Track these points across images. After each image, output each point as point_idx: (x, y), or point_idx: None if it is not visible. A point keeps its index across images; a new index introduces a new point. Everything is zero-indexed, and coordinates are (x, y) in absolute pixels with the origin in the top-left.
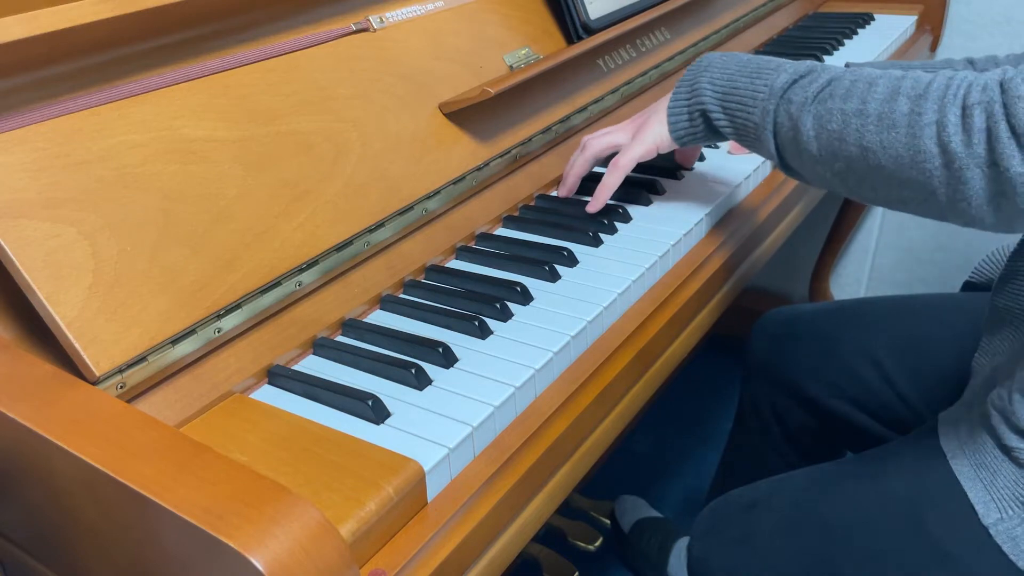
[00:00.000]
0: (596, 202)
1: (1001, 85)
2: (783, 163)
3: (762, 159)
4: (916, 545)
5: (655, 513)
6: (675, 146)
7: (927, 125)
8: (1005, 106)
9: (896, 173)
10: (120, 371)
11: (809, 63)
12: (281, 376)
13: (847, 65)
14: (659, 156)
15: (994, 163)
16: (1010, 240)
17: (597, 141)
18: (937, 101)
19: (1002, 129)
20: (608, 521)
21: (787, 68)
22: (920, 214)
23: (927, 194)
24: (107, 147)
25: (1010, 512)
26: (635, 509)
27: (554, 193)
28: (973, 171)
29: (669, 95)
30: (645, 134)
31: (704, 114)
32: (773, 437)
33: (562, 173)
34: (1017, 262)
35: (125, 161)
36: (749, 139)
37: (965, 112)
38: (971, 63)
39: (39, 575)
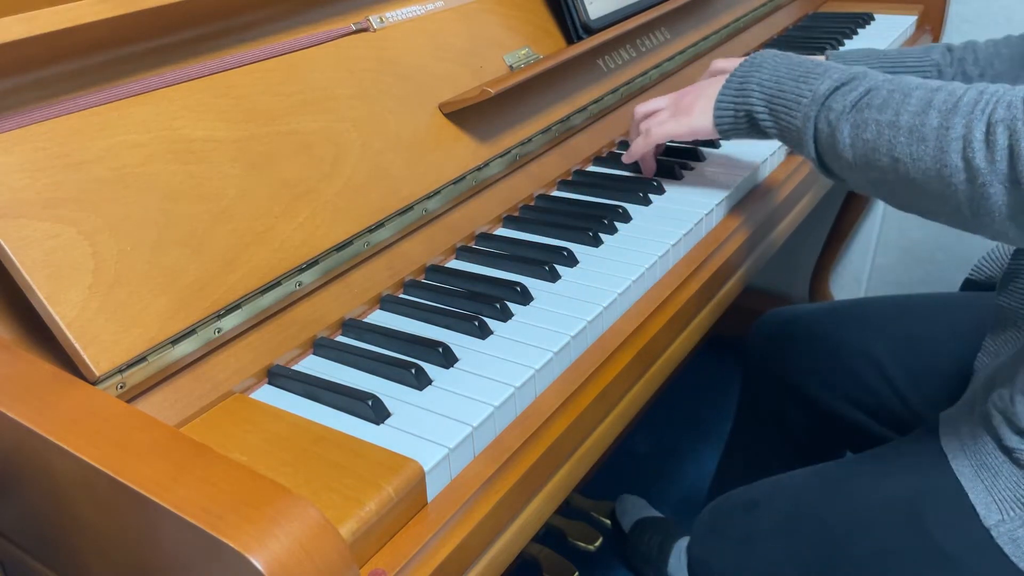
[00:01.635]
0: (626, 157)
1: None
2: (823, 166)
3: (760, 160)
4: (917, 546)
5: (655, 513)
6: (715, 135)
7: (954, 140)
8: None
9: (924, 185)
10: (120, 371)
11: (855, 69)
12: (281, 376)
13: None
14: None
15: (1016, 181)
16: None
17: (653, 126)
18: (965, 116)
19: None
20: (608, 521)
21: (832, 74)
22: (949, 225)
23: (953, 207)
24: (107, 147)
25: (1012, 513)
26: (635, 509)
27: (555, 193)
28: (996, 187)
29: (718, 82)
30: (688, 117)
31: (749, 114)
32: (773, 437)
33: (563, 172)
34: (1019, 260)
35: (125, 161)
36: (792, 140)
37: (990, 129)
38: (949, 50)
39: (39, 575)
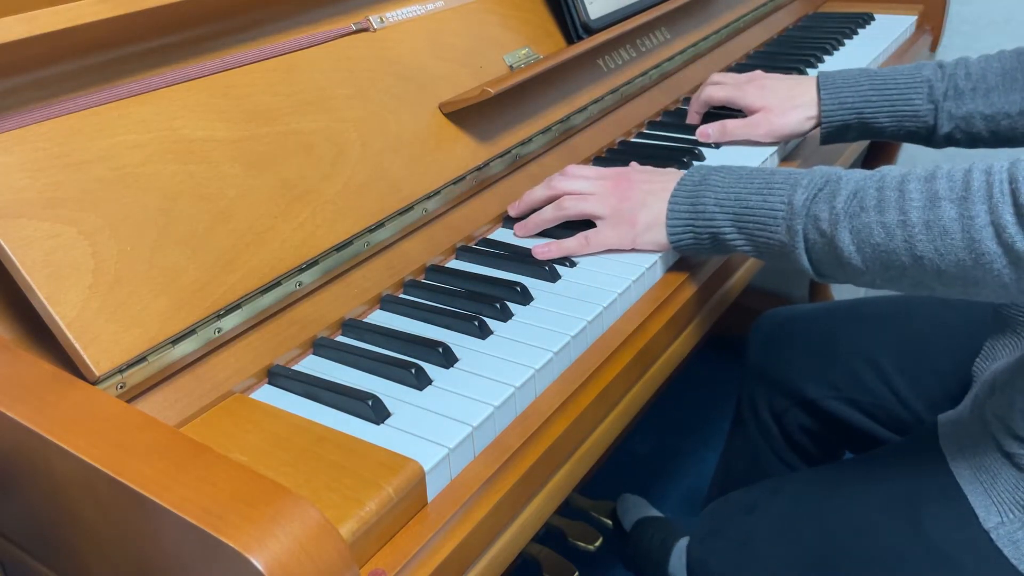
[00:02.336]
0: (545, 254)
1: None
2: (820, 275)
3: (760, 159)
4: (916, 548)
5: (657, 512)
6: (667, 250)
7: (982, 227)
8: None
9: (960, 275)
10: (120, 371)
11: (820, 171)
12: (281, 376)
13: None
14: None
15: None
16: None
17: (573, 204)
18: (985, 202)
19: None
20: (609, 521)
21: (801, 181)
22: (987, 300)
23: (997, 287)
24: (107, 147)
25: (1011, 516)
26: (637, 508)
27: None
28: None
29: (660, 189)
30: (631, 229)
31: (714, 235)
32: (772, 438)
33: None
34: None
35: (125, 161)
36: (772, 255)
37: (1019, 211)
38: (940, 67)
39: (39, 575)
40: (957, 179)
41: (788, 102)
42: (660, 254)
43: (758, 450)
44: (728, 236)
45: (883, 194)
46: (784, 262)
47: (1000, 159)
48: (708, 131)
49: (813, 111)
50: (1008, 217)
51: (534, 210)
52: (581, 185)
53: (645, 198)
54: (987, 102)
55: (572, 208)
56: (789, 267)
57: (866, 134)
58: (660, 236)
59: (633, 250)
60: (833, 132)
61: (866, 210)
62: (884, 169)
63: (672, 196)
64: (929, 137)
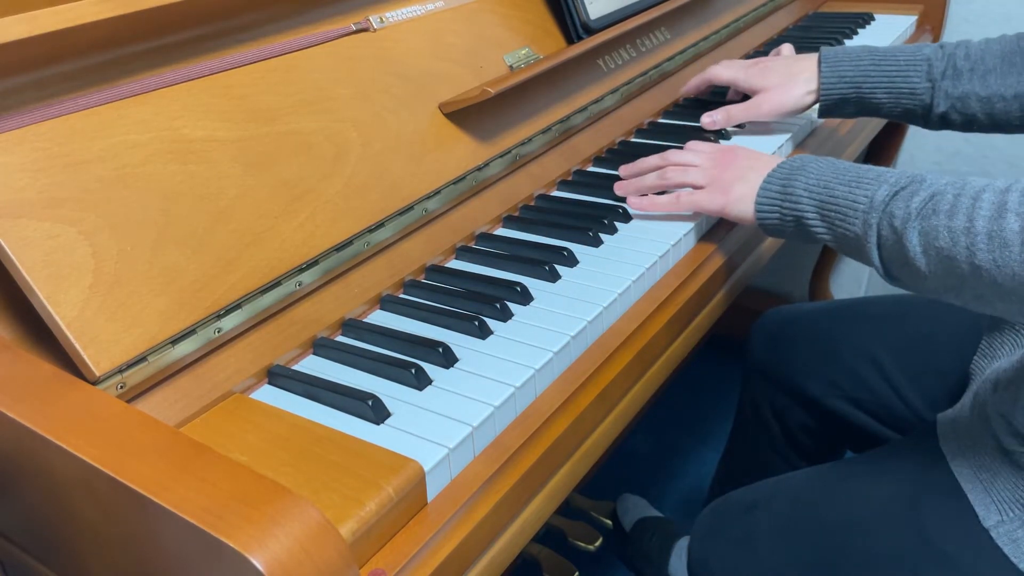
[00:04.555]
0: (636, 204)
1: None
2: (889, 275)
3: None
4: (916, 546)
5: (656, 512)
6: (753, 225)
7: None
8: None
9: (1015, 290)
10: (120, 371)
11: (910, 172)
12: (281, 376)
13: None
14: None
15: None
16: None
17: (675, 175)
18: None
19: None
20: (609, 521)
21: (888, 178)
22: None
23: None
24: (107, 147)
25: (1011, 514)
26: (636, 508)
27: (555, 193)
28: None
29: (763, 166)
30: (724, 197)
31: (798, 219)
32: (773, 437)
33: (563, 172)
34: None
35: (125, 161)
36: (849, 248)
37: None
38: (941, 47)
39: (39, 575)
40: None
41: (788, 78)
42: (659, 255)
43: (760, 449)
44: (811, 222)
45: (958, 200)
46: (858, 256)
47: None
48: (715, 118)
49: (813, 84)
50: None
51: (643, 173)
52: (687, 157)
53: (745, 173)
54: (983, 83)
55: (674, 178)
56: (863, 261)
57: (864, 110)
58: (748, 210)
59: (722, 215)
60: (831, 105)
61: (938, 213)
62: (971, 178)
63: (768, 175)
64: (926, 116)
